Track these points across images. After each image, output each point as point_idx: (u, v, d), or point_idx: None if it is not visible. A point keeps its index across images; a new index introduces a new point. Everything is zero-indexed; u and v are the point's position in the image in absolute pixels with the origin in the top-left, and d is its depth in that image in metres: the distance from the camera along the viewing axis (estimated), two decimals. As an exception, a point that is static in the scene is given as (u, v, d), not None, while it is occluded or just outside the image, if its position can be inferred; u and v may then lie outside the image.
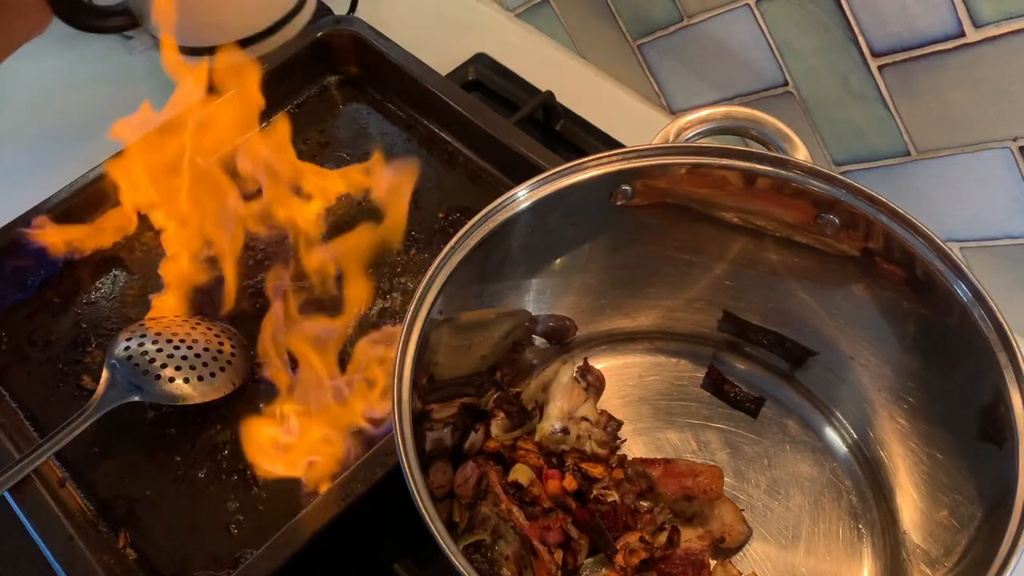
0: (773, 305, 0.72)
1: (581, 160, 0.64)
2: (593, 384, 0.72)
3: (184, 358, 0.71)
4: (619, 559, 0.61)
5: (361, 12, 1.05)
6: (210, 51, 0.90)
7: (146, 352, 0.71)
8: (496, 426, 0.67)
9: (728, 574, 0.64)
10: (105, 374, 0.71)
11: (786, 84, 0.83)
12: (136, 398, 0.70)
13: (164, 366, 0.71)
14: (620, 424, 0.71)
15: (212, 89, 0.80)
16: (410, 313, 0.59)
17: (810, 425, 0.72)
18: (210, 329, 0.75)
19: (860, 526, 0.68)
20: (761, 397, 0.73)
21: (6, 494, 0.66)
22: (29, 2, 0.75)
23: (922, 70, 0.72)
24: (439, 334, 0.62)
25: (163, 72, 1.01)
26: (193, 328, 0.74)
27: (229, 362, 0.73)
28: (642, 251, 0.71)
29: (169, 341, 0.72)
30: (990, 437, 0.57)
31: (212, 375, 0.72)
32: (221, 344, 0.74)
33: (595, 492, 0.64)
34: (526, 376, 0.74)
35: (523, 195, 0.63)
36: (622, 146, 0.87)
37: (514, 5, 1.05)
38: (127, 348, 0.71)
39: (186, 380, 0.71)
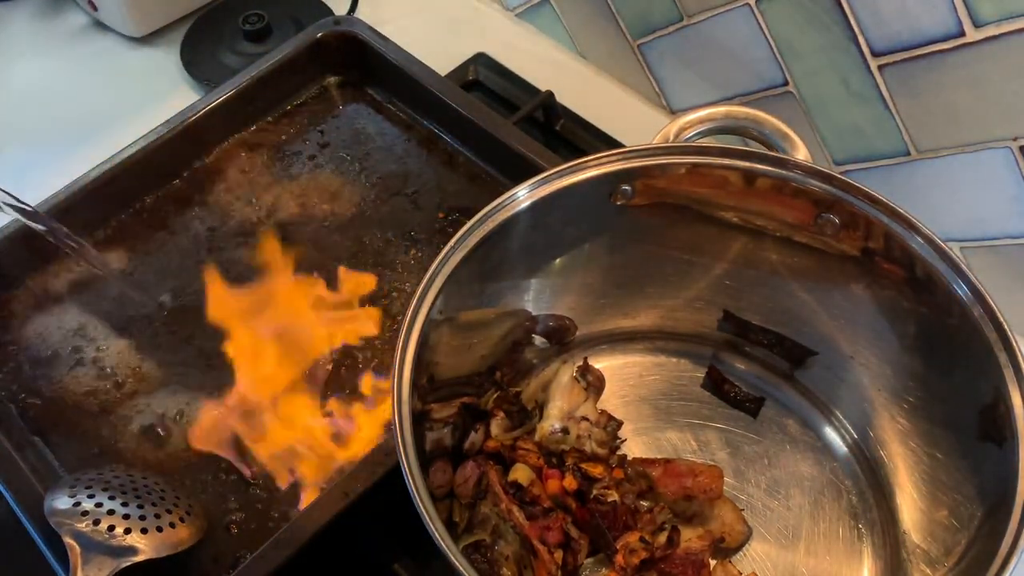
0: (773, 305, 0.72)
1: (581, 160, 0.64)
2: (593, 384, 0.72)
3: (154, 503, 0.63)
4: (619, 559, 0.61)
5: (361, 12, 1.05)
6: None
7: (110, 509, 0.61)
8: (496, 426, 0.67)
9: (728, 574, 0.64)
10: (71, 546, 0.59)
11: (786, 84, 0.83)
12: (130, 561, 0.60)
13: (142, 515, 0.62)
14: (620, 424, 0.71)
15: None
16: (410, 313, 0.59)
17: (810, 425, 0.72)
18: (132, 480, 0.66)
19: (860, 526, 0.68)
20: (761, 397, 0.73)
21: (6, 494, 0.66)
22: None
23: (922, 70, 0.72)
24: (439, 334, 0.62)
25: (163, 72, 1.02)
26: (125, 480, 0.65)
27: (187, 509, 0.66)
28: (642, 251, 0.71)
29: (111, 494, 0.63)
30: (990, 437, 0.57)
31: (188, 513, 0.65)
32: (149, 491, 0.65)
33: (595, 492, 0.64)
34: (526, 376, 0.74)
35: (523, 195, 0.63)
36: (622, 146, 0.87)
37: (514, 5, 1.05)
38: (77, 502, 0.61)
39: (171, 525, 0.63)
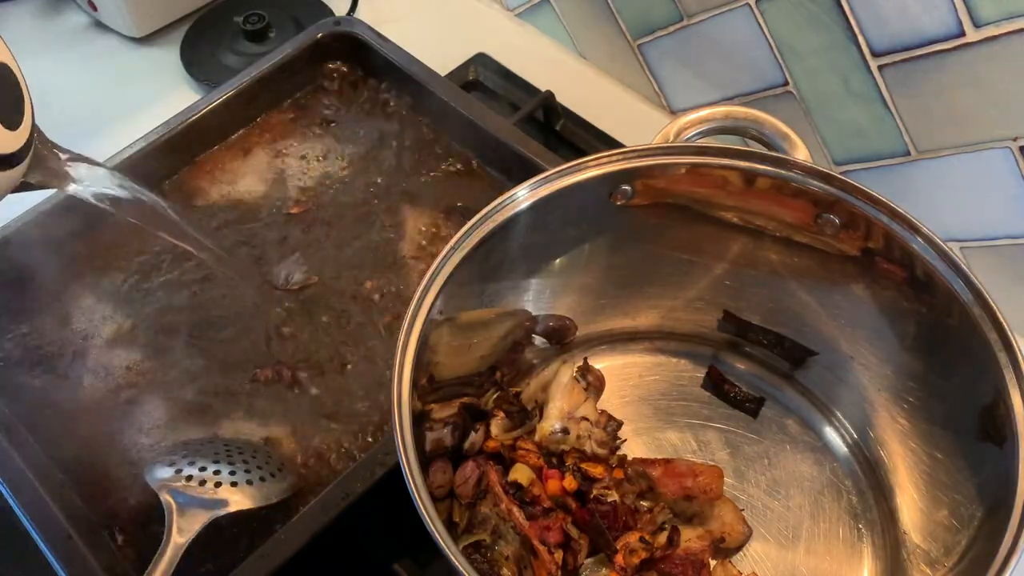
0: (773, 305, 0.72)
1: (581, 160, 0.64)
2: (593, 384, 0.72)
3: (245, 461, 0.67)
4: (619, 559, 0.61)
5: (361, 12, 1.05)
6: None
7: (203, 467, 0.65)
8: (496, 426, 0.67)
9: (728, 574, 0.64)
10: (167, 502, 0.63)
11: (786, 84, 0.83)
12: (223, 511, 0.63)
13: (232, 471, 0.65)
14: (620, 424, 0.71)
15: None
16: (410, 313, 0.59)
17: (810, 425, 0.72)
18: (226, 446, 0.69)
19: (860, 526, 0.68)
20: (761, 397, 0.73)
21: (7, 494, 0.66)
22: None
23: (922, 70, 0.72)
24: (439, 334, 0.62)
25: (163, 72, 1.02)
26: (219, 446, 0.69)
27: (279, 466, 0.69)
28: (642, 251, 0.71)
29: (204, 455, 0.67)
30: (990, 437, 0.57)
31: (279, 470, 0.68)
32: (255, 454, 0.69)
33: (595, 492, 0.64)
34: (526, 376, 0.74)
35: (523, 195, 0.63)
36: (622, 146, 0.87)
37: (514, 5, 1.05)
38: (178, 469, 0.65)
39: (262, 479, 0.66)
